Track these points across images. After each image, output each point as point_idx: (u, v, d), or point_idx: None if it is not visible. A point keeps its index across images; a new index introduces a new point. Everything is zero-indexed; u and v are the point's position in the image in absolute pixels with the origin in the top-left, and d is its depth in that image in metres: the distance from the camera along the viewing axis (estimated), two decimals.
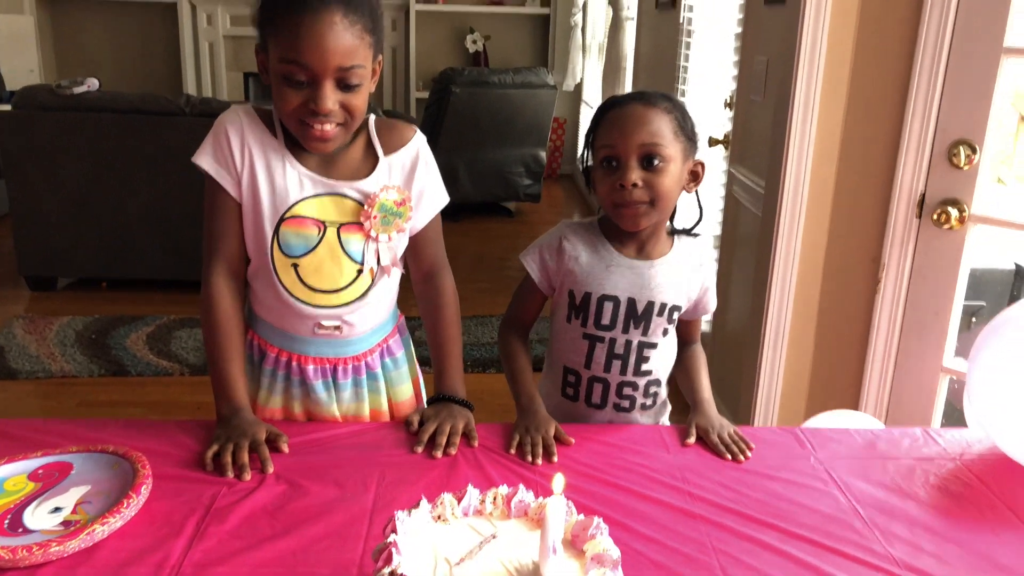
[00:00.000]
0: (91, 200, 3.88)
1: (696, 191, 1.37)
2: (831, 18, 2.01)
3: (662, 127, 1.27)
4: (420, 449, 1.20)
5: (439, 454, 1.19)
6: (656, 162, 1.26)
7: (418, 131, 1.35)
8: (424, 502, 0.89)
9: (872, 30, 2.00)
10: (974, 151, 1.90)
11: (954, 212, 1.93)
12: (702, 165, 1.34)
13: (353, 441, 1.25)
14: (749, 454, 1.25)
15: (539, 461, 1.20)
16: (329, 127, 1.21)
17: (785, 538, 1.05)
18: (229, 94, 6.85)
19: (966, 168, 1.91)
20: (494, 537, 0.87)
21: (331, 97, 1.18)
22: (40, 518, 1.00)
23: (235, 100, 6.60)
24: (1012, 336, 1.18)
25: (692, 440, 1.28)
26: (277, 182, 1.27)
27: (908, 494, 1.16)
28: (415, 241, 1.38)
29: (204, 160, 1.27)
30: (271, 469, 1.13)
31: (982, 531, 1.09)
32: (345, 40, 1.16)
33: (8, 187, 3.87)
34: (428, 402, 1.36)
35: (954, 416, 2.08)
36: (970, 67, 1.87)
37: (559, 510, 0.81)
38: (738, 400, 2.46)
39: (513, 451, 1.23)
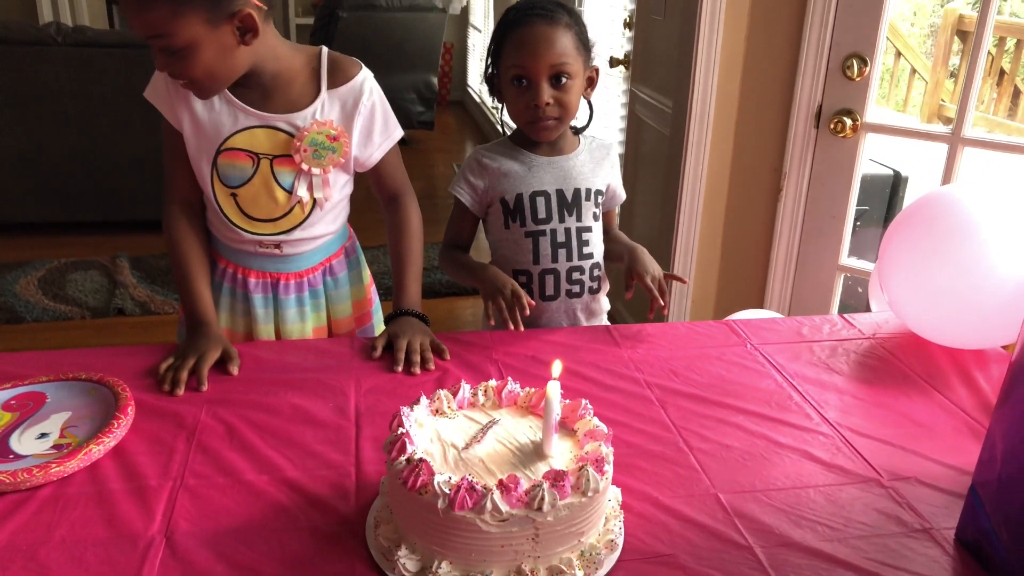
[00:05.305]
0: None
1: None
2: None
3: (567, 45, 1.34)
4: (400, 368, 1.24)
5: (418, 371, 1.24)
6: (564, 80, 1.34)
7: (363, 68, 1.37)
8: (423, 398, 0.95)
9: None
10: (865, 63, 2.05)
11: (848, 121, 2.08)
12: (597, 71, 1.43)
13: (321, 359, 1.28)
14: (664, 299, 1.40)
15: (521, 327, 1.30)
16: None
17: (735, 413, 1.17)
18: (91, 22, 6.39)
19: (858, 80, 2.06)
20: (496, 422, 0.94)
21: None
22: (28, 444, 1.00)
23: (98, 27, 6.17)
24: (917, 231, 1.33)
25: (630, 294, 1.42)
26: (211, 116, 1.31)
27: (834, 370, 1.31)
28: (375, 172, 1.43)
29: (149, 93, 1.33)
30: (204, 388, 1.16)
31: (899, 395, 1.24)
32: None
33: None
34: (386, 319, 1.40)
35: (848, 310, 2.28)
36: None
37: (558, 392, 0.89)
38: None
39: (492, 322, 1.31)
